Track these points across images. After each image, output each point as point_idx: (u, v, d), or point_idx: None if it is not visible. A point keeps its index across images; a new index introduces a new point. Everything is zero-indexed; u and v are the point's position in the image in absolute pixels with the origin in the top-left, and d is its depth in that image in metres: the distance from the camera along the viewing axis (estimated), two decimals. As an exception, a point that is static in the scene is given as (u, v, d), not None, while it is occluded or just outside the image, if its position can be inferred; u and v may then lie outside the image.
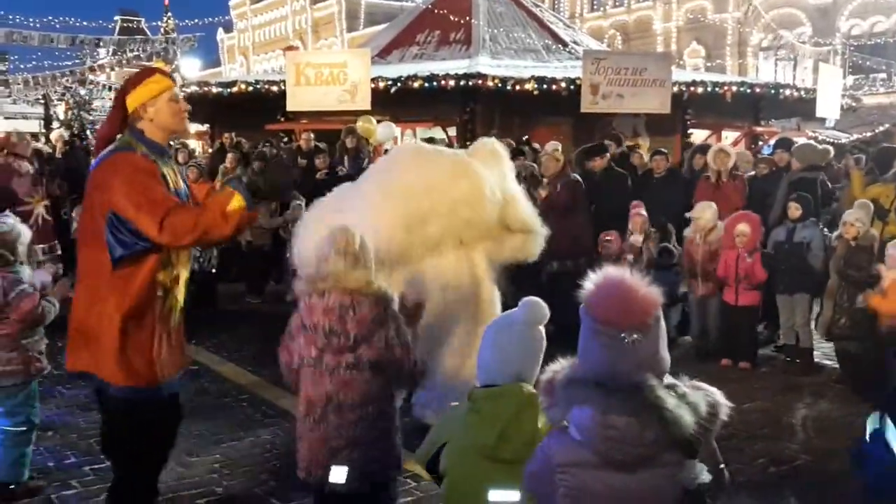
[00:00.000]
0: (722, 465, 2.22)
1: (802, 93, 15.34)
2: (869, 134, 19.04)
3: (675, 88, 12.42)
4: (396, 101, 12.59)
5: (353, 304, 3.03)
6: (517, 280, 8.30)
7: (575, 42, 17.21)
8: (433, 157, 5.13)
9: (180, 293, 3.49)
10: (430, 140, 11.47)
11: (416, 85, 12.57)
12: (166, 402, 3.46)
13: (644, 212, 7.49)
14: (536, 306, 2.59)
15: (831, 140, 16.02)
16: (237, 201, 3.23)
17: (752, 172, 8.87)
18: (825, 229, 7.14)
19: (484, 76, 12.51)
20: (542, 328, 2.58)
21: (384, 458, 3.13)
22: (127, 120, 3.38)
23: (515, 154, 9.29)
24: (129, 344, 3.26)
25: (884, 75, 28.23)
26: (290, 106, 12.35)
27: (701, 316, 7.25)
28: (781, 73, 31.43)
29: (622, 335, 2.03)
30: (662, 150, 9.40)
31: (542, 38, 16.68)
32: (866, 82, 28.14)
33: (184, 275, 3.49)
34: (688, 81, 13.87)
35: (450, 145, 12.27)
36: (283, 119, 13.58)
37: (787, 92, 15.29)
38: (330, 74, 12.04)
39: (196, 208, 3.35)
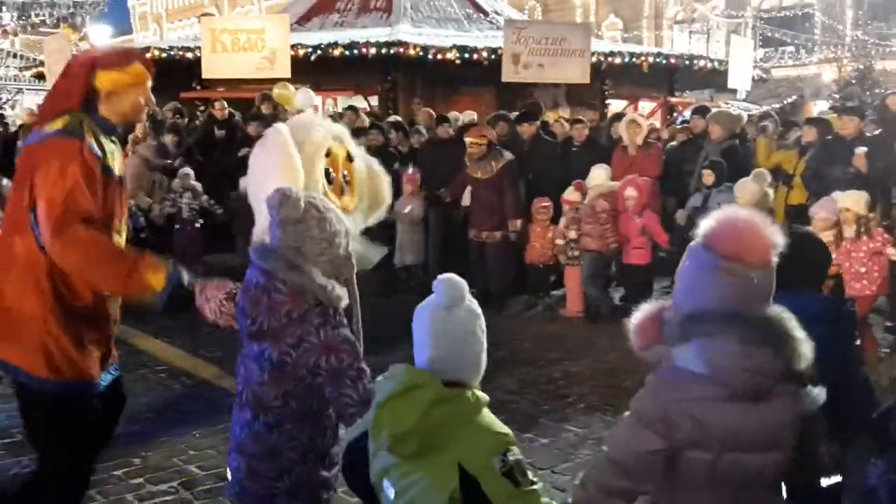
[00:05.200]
0: None
1: (716, 64, 15.73)
2: (777, 106, 19.70)
3: (594, 59, 12.57)
4: (316, 69, 12.40)
5: (269, 286, 2.49)
6: (446, 251, 8.45)
7: (496, 12, 17.22)
8: None
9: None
10: (351, 108, 11.36)
11: (336, 53, 12.39)
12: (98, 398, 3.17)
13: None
14: (450, 284, 2.20)
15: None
16: (157, 280, 2.84)
17: (673, 142, 9.12)
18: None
19: (405, 44, 12.41)
20: (463, 311, 2.18)
21: (266, 491, 2.55)
22: (88, 92, 3.06)
23: (439, 121, 9.33)
24: (59, 335, 2.95)
25: (792, 48, 29.19)
26: (206, 73, 12.04)
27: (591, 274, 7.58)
28: (695, 45, 32.16)
29: (748, 271, 2.03)
30: (581, 118, 9.56)
31: (464, 6, 16.62)
32: (775, 55, 29.06)
33: None
34: (606, 52, 14.06)
35: (373, 114, 12.18)
36: (198, 87, 13.24)
37: (701, 63, 15.65)
38: (247, 41, 11.77)
39: (107, 240, 2.99)
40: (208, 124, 10.50)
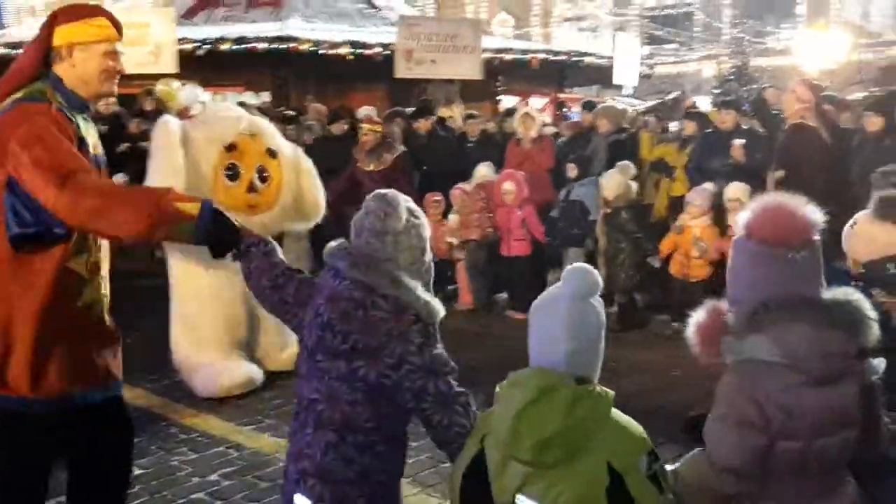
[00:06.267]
0: None
1: (603, 60, 16.19)
2: (658, 101, 20.44)
3: (486, 55, 12.74)
4: (205, 65, 12.10)
5: (366, 302, 2.29)
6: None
7: (388, 7, 17.20)
8: None
9: (104, 285, 2.84)
10: (241, 105, 11.13)
11: (224, 48, 12.15)
12: (90, 415, 2.78)
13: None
14: (584, 275, 2.08)
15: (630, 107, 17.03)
16: (192, 207, 2.52)
17: (562, 138, 9.34)
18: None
19: (296, 39, 12.27)
20: (596, 302, 2.10)
21: None
22: (47, 58, 2.72)
23: (333, 118, 9.24)
24: (41, 347, 2.63)
25: (674, 46, 30.31)
26: (88, 69, 11.58)
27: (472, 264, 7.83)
28: (584, 43, 33.00)
29: (792, 252, 2.07)
30: (475, 113, 9.68)
31: (356, 2, 16.54)
32: (659, 52, 30.12)
33: (105, 263, 2.83)
34: (497, 48, 14.30)
35: (265, 111, 11.95)
36: (79, 83, 12.71)
37: (589, 59, 16.09)
38: (132, 35, 11.38)
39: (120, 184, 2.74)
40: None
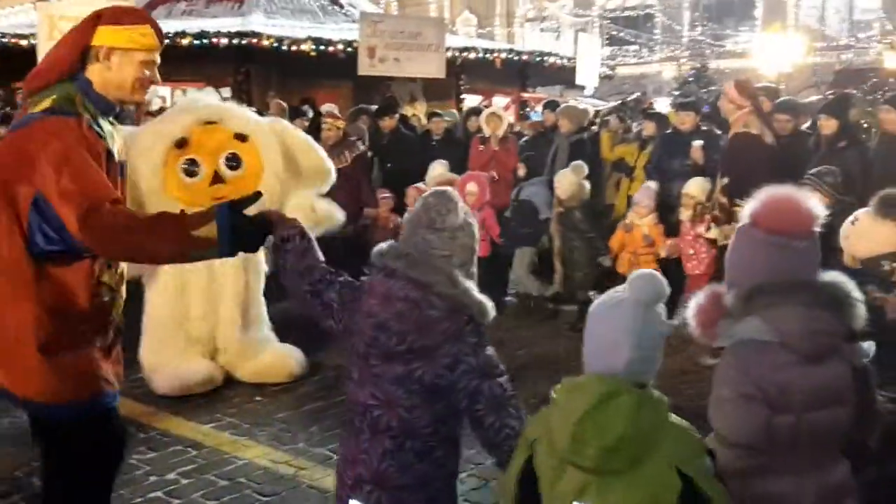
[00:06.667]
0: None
1: (565, 61, 16.32)
2: (620, 102, 20.65)
3: (449, 54, 12.76)
4: (164, 60, 11.86)
5: (422, 302, 2.29)
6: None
7: (351, 4, 17.14)
8: None
9: (123, 289, 2.84)
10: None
11: (184, 42, 11.97)
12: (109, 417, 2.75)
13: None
14: (650, 281, 2.02)
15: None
16: (210, 231, 2.42)
17: (525, 137, 9.40)
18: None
19: (259, 35, 12.18)
20: (660, 309, 2.03)
21: None
22: (83, 55, 2.62)
23: (295, 115, 9.19)
24: (61, 352, 2.56)
25: (635, 47, 30.63)
26: (43, 62, 11.37)
27: None
28: (546, 43, 33.21)
29: (793, 242, 2.20)
30: (439, 112, 9.70)
31: (318, -2, 16.45)
32: (620, 53, 30.41)
33: (125, 272, 2.82)
34: (461, 47, 14.34)
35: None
36: (35, 77, 12.45)
37: (552, 60, 16.21)
38: (89, 29, 11.19)
39: (141, 212, 2.62)
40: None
